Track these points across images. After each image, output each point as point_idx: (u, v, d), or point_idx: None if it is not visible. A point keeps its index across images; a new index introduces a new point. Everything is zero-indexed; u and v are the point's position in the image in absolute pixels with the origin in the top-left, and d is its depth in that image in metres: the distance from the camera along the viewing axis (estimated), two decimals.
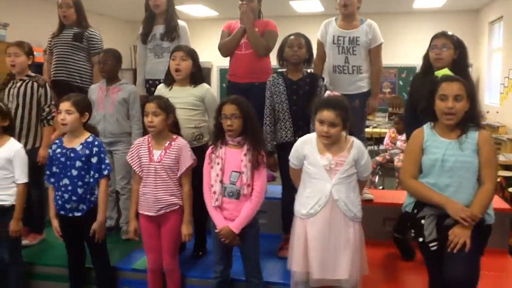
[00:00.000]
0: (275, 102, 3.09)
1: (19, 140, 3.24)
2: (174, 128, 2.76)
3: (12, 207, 2.81)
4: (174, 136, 2.70)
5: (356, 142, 2.40)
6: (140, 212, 2.69)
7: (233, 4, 3.58)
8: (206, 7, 9.80)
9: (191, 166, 2.68)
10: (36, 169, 3.16)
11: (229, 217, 2.49)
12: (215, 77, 11.67)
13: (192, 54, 3.07)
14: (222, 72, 11.44)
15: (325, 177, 2.34)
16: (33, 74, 3.43)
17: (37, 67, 3.74)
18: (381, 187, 6.34)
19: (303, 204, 2.39)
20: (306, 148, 2.41)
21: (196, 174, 2.68)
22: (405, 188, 2.46)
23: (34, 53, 3.50)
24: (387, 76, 10.60)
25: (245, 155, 2.48)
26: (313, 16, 9.46)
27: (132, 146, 2.79)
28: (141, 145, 2.71)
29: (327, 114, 2.29)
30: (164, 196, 2.63)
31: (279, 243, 3.27)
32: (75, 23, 3.78)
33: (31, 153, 3.22)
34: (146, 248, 2.74)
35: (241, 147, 2.51)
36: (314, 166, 2.37)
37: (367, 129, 7.53)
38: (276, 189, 3.40)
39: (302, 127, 3.01)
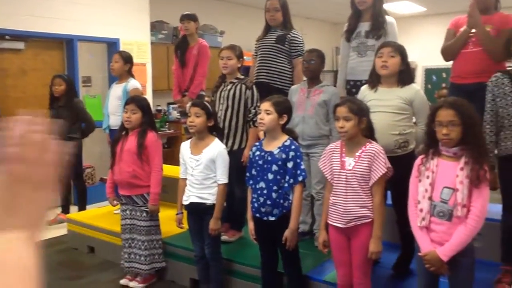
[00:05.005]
0: (498, 106, 2.63)
1: (227, 140, 3.40)
2: (368, 132, 2.49)
3: (212, 206, 2.94)
4: (368, 142, 2.44)
5: None
6: (329, 222, 2.51)
7: None
8: (413, 3, 9.18)
9: (384, 176, 2.37)
10: (240, 168, 3.25)
11: (437, 240, 2.11)
12: (419, 78, 10.89)
13: (401, 51, 2.79)
14: (428, 72, 10.65)
15: None
16: (242, 77, 3.56)
17: (245, 70, 3.91)
18: None
19: None
20: None
21: (404, 186, 2.33)
22: None
23: (244, 56, 3.64)
24: None
25: (461, 169, 2.06)
26: None
27: (325, 151, 2.62)
28: (334, 151, 2.52)
29: None
30: (354, 207, 2.40)
31: (495, 272, 2.77)
32: (280, 25, 3.82)
33: (238, 154, 3.36)
34: (335, 261, 2.56)
35: (457, 160, 2.09)
36: None
37: None
38: (495, 208, 2.87)
39: None
